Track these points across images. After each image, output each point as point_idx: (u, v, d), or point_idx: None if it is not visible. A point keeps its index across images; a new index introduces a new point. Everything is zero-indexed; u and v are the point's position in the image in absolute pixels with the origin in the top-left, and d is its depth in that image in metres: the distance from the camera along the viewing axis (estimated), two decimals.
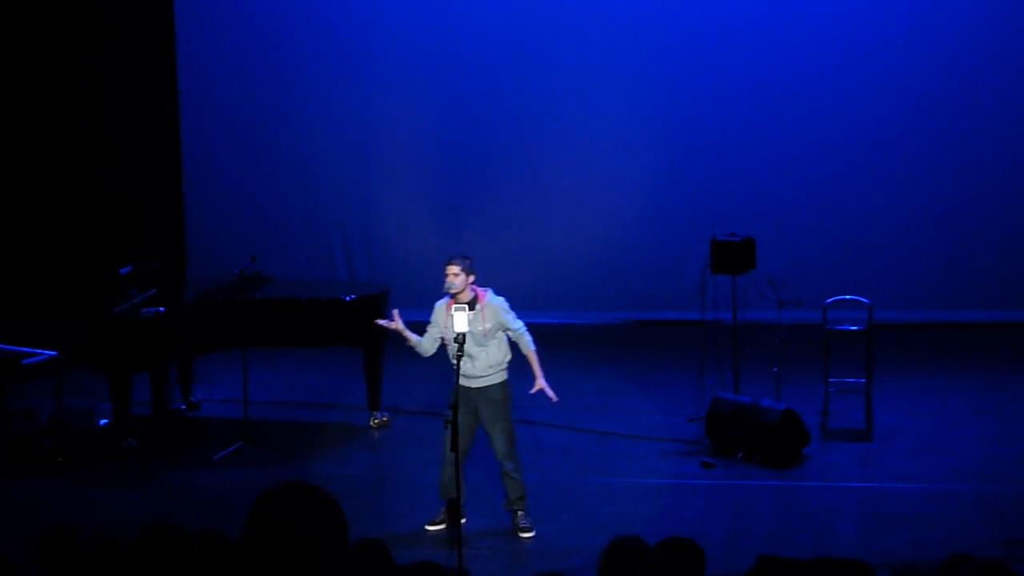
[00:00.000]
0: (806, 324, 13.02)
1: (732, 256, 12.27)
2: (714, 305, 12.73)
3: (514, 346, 10.04)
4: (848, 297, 12.55)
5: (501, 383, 9.94)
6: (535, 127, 16.05)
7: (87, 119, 16.42)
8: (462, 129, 16.18)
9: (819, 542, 9.56)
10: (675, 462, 11.52)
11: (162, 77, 16.45)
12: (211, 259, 16.00)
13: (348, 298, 12.39)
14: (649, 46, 15.77)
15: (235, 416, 12.26)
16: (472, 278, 9.85)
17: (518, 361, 10.11)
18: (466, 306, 9.31)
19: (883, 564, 7.99)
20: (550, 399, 10.16)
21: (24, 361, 11.82)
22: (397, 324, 10.03)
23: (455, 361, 9.44)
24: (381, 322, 10.29)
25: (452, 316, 9.39)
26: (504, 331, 9.92)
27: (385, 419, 12.62)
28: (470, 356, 9.68)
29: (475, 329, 9.65)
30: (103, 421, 12.32)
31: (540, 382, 10.05)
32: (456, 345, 9.33)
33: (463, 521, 9.80)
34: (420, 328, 10.04)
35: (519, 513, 10.04)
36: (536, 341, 10.03)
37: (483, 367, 9.82)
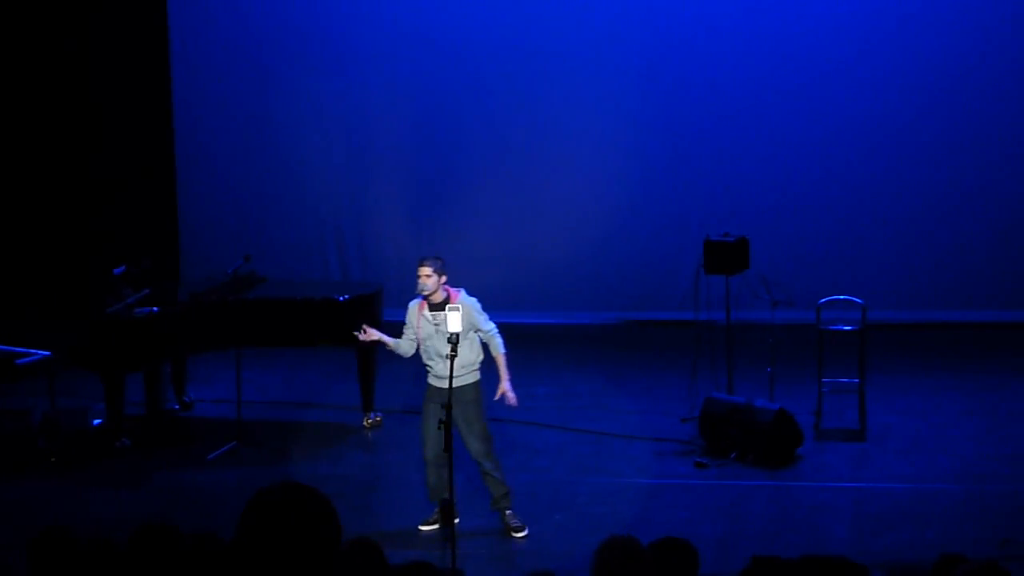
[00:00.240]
0: (799, 324, 13.03)
1: (725, 256, 12.27)
2: (707, 305, 12.72)
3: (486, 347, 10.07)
4: (841, 297, 12.56)
5: (473, 384, 9.96)
6: (529, 127, 16.05)
7: (80, 119, 16.41)
8: (456, 129, 16.19)
9: (812, 542, 9.57)
10: (668, 462, 11.52)
11: (155, 77, 16.45)
12: (204, 259, 16.00)
13: (341, 298, 12.38)
14: (642, 44, 15.78)
15: (228, 416, 12.26)
16: (444, 279, 9.92)
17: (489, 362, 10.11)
18: (459, 307, 9.34)
19: (876, 564, 7.99)
20: (510, 404, 10.12)
21: (17, 361, 11.81)
22: (373, 335, 10.19)
23: (428, 362, 9.81)
24: (361, 337, 10.34)
25: (446, 316, 9.44)
26: (476, 332, 9.94)
27: (378, 419, 12.62)
28: (441, 356, 9.76)
29: (445, 329, 9.72)
30: (96, 421, 12.32)
31: (504, 385, 10.03)
32: (427, 345, 9.74)
33: (456, 521, 9.80)
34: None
35: (507, 512, 10.05)
36: (507, 344, 10.01)
37: (455, 367, 9.81)
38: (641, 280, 15.96)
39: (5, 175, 16.51)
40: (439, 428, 9.21)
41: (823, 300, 12.32)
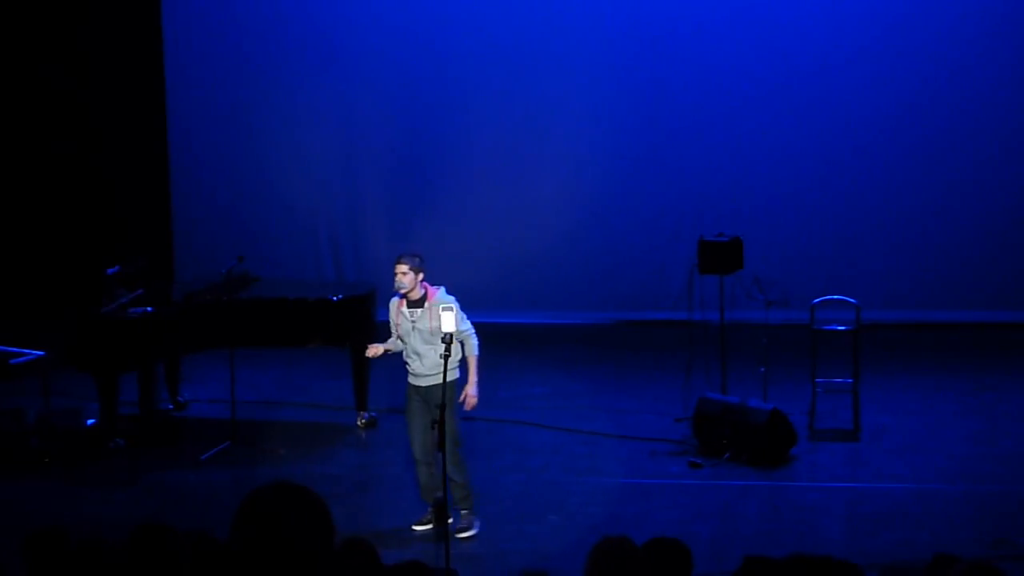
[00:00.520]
0: (793, 324, 13.02)
1: (719, 256, 12.27)
2: (701, 305, 12.72)
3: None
4: (836, 297, 12.56)
5: (450, 382, 9.94)
6: (524, 127, 16.04)
7: (74, 119, 16.38)
8: (451, 130, 16.17)
9: (806, 542, 9.56)
10: (662, 462, 11.52)
11: (149, 78, 16.42)
12: (198, 259, 15.99)
13: (335, 298, 12.38)
14: (635, 43, 15.77)
15: (222, 416, 12.25)
16: (422, 276, 9.90)
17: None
18: (453, 307, 9.34)
19: (870, 564, 8.01)
20: (468, 406, 10.05)
21: (11, 361, 11.81)
22: (378, 350, 10.21)
23: (407, 360, 9.91)
24: (369, 354, 10.35)
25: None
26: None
27: (372, 418, 12.62)
28: (417, 354, 9.81)
29: (422, 327, 9.72)
30: (90, 421, 12.31)
31: (469, 388, 9.99)
32: (401, 343, 9.93)
33: (450, 521, 9.81)
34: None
35: (463, 512, 10.03)
36: (482, 346, 9.98)
37: (431, 365, 9.79)
38: (635, 280, 15.96)
39: None
40: (433, 428, 9.20)
41: (817, 300, 12.32)
